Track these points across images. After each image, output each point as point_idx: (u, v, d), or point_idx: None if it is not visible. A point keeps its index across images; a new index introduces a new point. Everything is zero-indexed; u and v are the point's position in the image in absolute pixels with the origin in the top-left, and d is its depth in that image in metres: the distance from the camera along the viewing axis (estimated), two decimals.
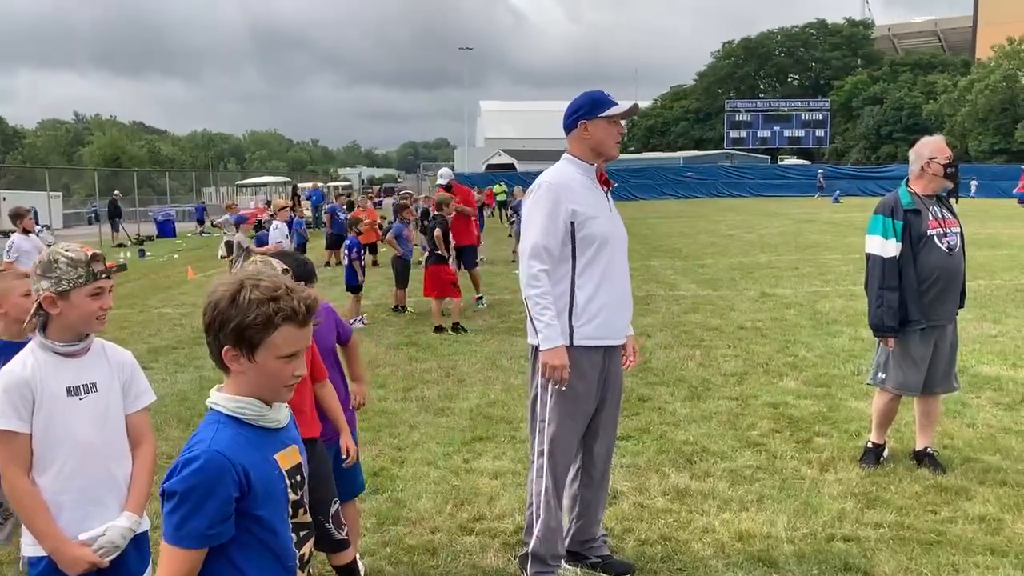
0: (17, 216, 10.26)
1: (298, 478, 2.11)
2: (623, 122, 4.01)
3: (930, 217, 5.13)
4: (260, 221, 20.74)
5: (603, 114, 3.89)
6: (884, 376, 5.34)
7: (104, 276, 2.74)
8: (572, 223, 3.81)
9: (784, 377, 7.73)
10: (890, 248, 5.13)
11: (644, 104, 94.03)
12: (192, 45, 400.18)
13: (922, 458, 5.39)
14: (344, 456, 3.71)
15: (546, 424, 3.92)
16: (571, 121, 3.96)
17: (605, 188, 4.02)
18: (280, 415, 2.06)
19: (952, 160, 5.20)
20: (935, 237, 5.11)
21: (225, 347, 1.94)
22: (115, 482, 2.77)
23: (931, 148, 5.21)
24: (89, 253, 2.73)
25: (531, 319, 3.82)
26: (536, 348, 3.85)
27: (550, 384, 3.83)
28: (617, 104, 3.95)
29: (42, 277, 2.68)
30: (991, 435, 5.92)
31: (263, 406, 2.00)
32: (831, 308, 11.27)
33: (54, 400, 2.65)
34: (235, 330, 1.92)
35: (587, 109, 3.91)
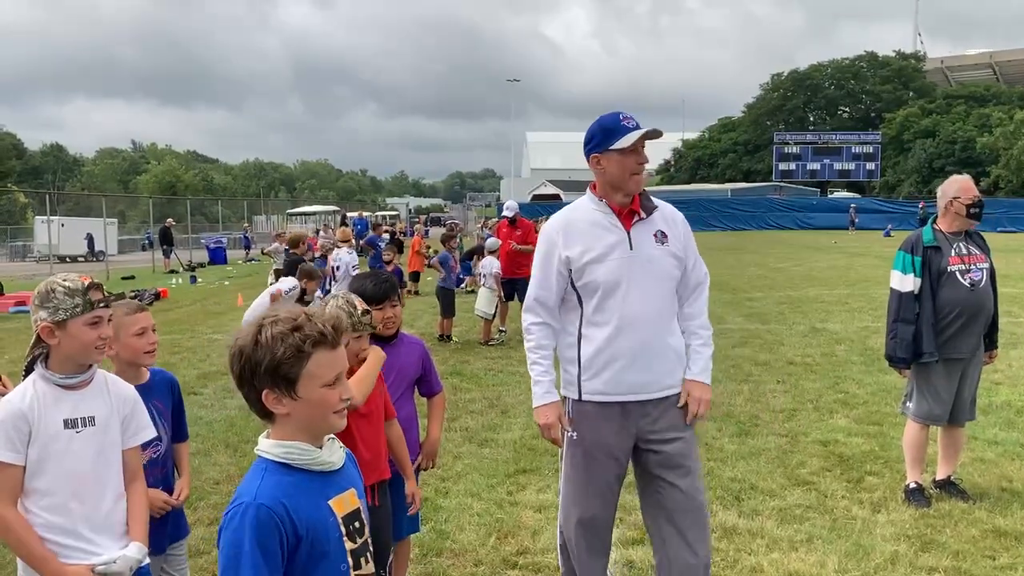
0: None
1: (356, 524, 1.99)
2: (645, 148, 3.45)
3: (952, 253, 5.23)
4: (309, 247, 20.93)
5: (615, 146, 3.41)
6: (911, 405, 5.46)
7: (102, 305, 2.71)
8: (570, 270, 3.48)
9: (834, 414, 7.59)
10: (907, 283, 5.30)
11: (691, 136, 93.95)
12: (246, 77, 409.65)
13: (944, 486, 5.48)
14: (408, 502, 3.61)
15: (561, 475, 3.68)
16: (586, 154, 3.55)
17: (635, 218, 3.50)
18: (334, 456, 1.97)
19: (976, 200, 5.24)
20: (956, 273, 5.21)
21: (264, 391, 1.87)
22: (105, 519, 2.73)
23: (956, 187, 5.32)
24: (86, 282, 2.70)
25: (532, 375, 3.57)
26: (561, 396, 3.62)
27: (567, 433, 3.54)
28: (631, 131, 3.40)
29: (40, 307, 2.65)
30: None
31: (313, 449, 1.92)
32: (882, 344, 10.97)
33: (50, 433, 2.62)
34: (268, 370, 1.85)
35: (598, 140, 3.46)
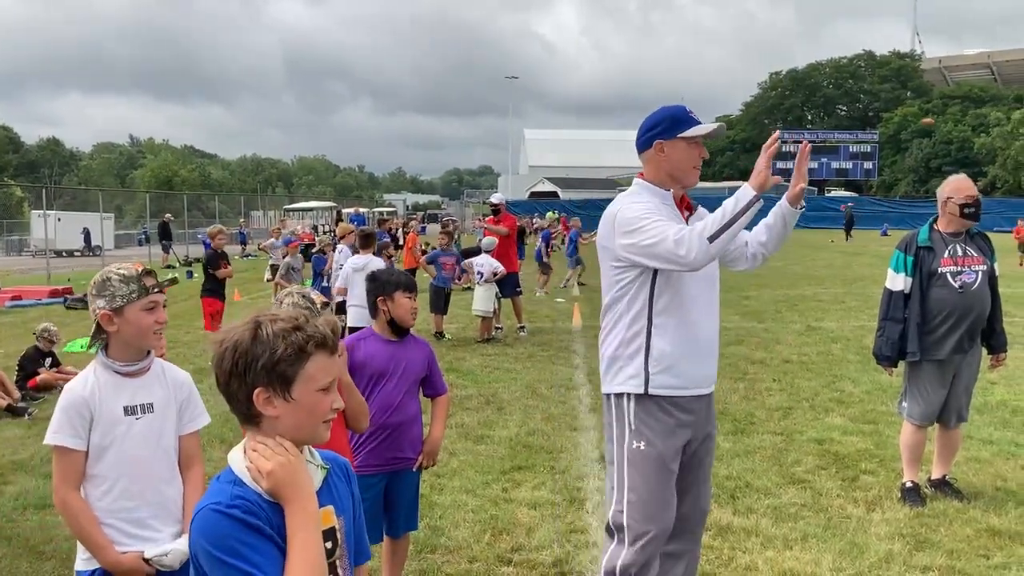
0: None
1: (328, 544, 1.87)
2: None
3: (945, 255, 5.22)
4: (308, 246, 20.97)
5: (683, 134, 3.31)
6: (905, 405, 5.48)
7: (156, 290, 2.80)
8: None
9: (830, 413, 7.60)
10: (898, 282, 5.33)
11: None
12: (244, 73, 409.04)
13: (939, 486, 5.49)
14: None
15: (626, 488, 3.35)
16: (645, 140, 3.39)
17: (687, 214, 3.44)
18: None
19: (971, 200, 5.22)
20: (947, 275, 5.20)
21: (257, 389, 1.77)
22: (163, 504, 2.80)
23: (950, 188, 5.32)
24: (140, 269, 2.81)
25: (731, 219, 3.07)
26: (612, 397, 3.39)
27: (627, 442, 3.33)
28: (700, 123, 3.34)
29: (97, 296, 2.74)
30: None
31: None
32: None
33: (111, 419, 2.71)
34: (265, 367, 1.76)
35: (665, 127, 3.33)
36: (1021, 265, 23.89)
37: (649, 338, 3.31)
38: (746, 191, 3.12)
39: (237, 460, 1.82)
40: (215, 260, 11.27)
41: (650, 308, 3.32)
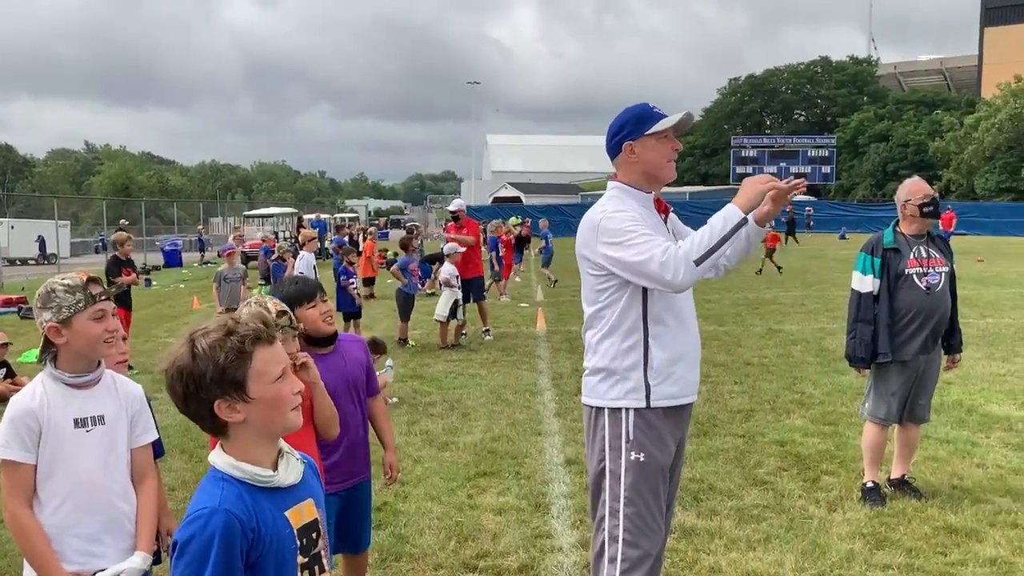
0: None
1: (314, 535, 1.96)
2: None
3: (911, 256, 5.30)
4: (267, 252, 20.77)
5: (651, 131, 3.22)
6: (868, 406, 5.53)
7: (103, 298, 2.72)
8: None
9: (791, 414, 7.68)
10: (867, 284, 5.40)
11: None
12: (203, 78, 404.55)
13: (899, 485, 5.56)
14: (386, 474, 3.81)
15: (620, 504, 3.21)
16: (614, 145, 3.30)
17: (663, 215, 3.37)
18: (290, 476, 1.93)
19: (928, 199, 5.32)
20: (914, 276, 5.29)
21: (216, 402, 1.81)
22: (116, 519, 2.73)
23: (907, 190, 5.43)
24: (85, 278, 2.72)
25: (718, 242, 3.01)
26: (607, 411, 3.25)
27: (624, 454, 3.20)
28: (666, 116, 3.25)
29: (43, 309, 2.66)
30: (1001, 476, 5.86)
31: (270, 474, 1.88)
32: (838, 345, 11.18)
33: (60, 432, 2.62)
34: (214, 379, 1.80)
35: (631, 127, 3.25)
36: (758, 273, 22.96)
37: (647, 348, 3.21)
38: (734, 212, 3.03)
39: (219, 460, 1.87)
40: (115, 268, 11.00)
41: (645, 317, 3.21)
